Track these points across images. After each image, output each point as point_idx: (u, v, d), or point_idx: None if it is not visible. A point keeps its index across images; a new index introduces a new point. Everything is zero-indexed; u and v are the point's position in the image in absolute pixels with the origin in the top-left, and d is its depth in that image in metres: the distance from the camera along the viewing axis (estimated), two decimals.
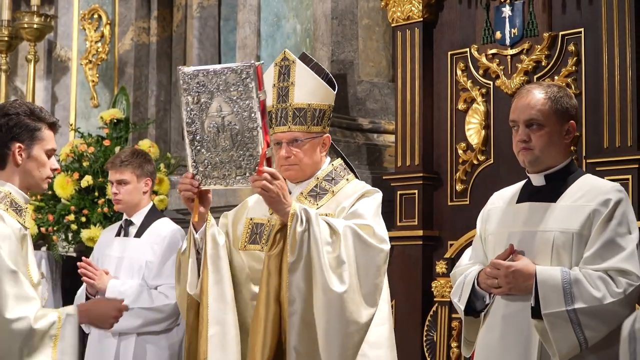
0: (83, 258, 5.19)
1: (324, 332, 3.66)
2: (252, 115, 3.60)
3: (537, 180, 3.63)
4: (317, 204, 3.91)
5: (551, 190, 3.58)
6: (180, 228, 5.41)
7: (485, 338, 3.64)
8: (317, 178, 3.99)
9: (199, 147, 3.71)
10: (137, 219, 5.33)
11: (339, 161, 4.06)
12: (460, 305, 3.68)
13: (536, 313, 3.42)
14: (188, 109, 3.71)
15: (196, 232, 3.85)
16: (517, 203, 3.67)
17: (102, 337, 5.16)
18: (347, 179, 4.02)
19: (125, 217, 5.41)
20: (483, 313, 3.65)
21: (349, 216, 3.83)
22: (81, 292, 5.27)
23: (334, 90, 4.03)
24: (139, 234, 5.31)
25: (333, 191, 3.96)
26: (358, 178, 4.08)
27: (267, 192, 3.63)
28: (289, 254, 3.66)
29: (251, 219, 4.04)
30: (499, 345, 3.55)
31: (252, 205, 4.10)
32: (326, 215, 3.85)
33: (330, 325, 3.66)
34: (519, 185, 3.74)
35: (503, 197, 3.78)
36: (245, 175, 3.65)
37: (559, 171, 3.60)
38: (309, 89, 3.94)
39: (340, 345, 3.67)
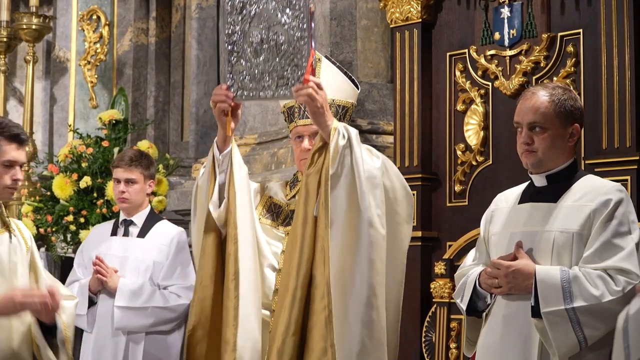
0: (97, 255, 5.21)
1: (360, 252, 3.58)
2: (301, 24, 3.51)
3: (539, 181, 3.63)
4: None
5: (552, 191, 3.59)
6: (183, 229, 5.44)
7: (486, 338, 3.65)
8: None
9: (237, 58, 3.61)
10: (139, 219, 5.36)
11: None
12: (463, 305, 3.69)
13: (536, 312, 3.42)
14: (230, 19, 3.61)
15: (219, 153, 3.78)
16: (519, 204, 3.68)
17: (110, 336, 5.17)
18: None
19: (123, 216, 5.42)
20: (485, 313, 3.66)
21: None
22: (85, 282, 5.27)
23: (358, 90, 4.04)
24: (142, 234, 5.34)
25: None
26: None
27: (312, 102, 3.53)
28: (330, 167, 3.55)
29: (270, 197, 4.00)
30: (499, 345, 3.55)
31: (273, 188, 4.05)
32: None
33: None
34: (522, 186, 3.76)
35: (506, 199, 3.79)
36: (288, 86, 3.55)
37: (561, 172, 3.60)
38: (334, 86, 3.92)
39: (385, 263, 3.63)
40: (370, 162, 3.66)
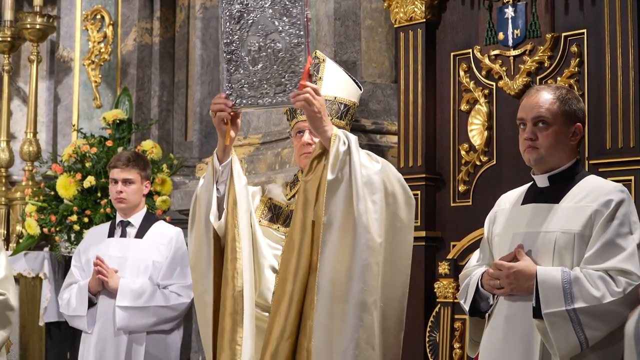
0: (98, 255, 5.22)
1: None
2: (298, 31, 3.55)
3: (541, 181, 3.64)
4: None
5: (555, 192, 3.60)
6: (181, 229, 5.45)
7: (489, 338, 3.65)
8: None
9: (235, 67, 3.65)
10: (136, 220, 5.38)
11: None
12: (466, 306, 3.70)
13: (537, 313, 3.43)
14: (228, 28, 3.65)
15: (219, 164, 3.79)
16: (522, 205, 3.68)
17: (112, 336, 5.19)
18: None
19: (120, 218, 5.43)
20: (487, 314, 3.67)
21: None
22: (84, 283, 5.28)
23: (360, 91, 4.05)
24: (140, 235, 5.35)
25: None
26: None
27: (309, 106, 3.56)
28: (330, 172, 3.57)
29: (270, 199, 4.02)
30: (501, 346, 3.56)
31: (272, 190, 4.07)
32: None
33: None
34: (525, 187, 3.77)
35: (509, 199, 3.80)
36: (285, 92, 3.58)
37: (563, 172, 3.61)
38: (337, 84, 3.95)
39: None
40: (370, 166, 3.66)
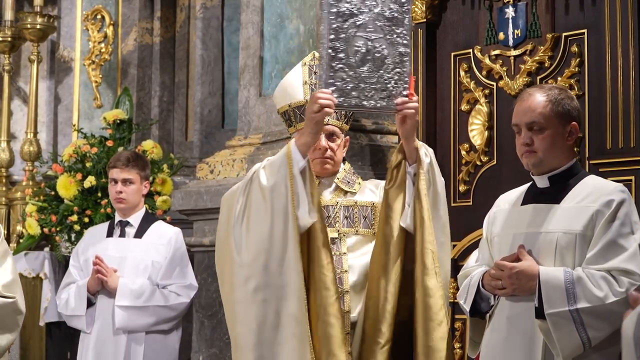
0: (97, 255, 5.22)
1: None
2: (405, 41, 3.66)
3: (541, 182, 3.64)
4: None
5: (555, 192, 3.60)
6: (179, 229, 5.46)
7: (490, 339, 3.65)
8: (338, 179, 4.02)
9: (339, 64, 3.65)
10: (135, 220, 5.38)
11: (348, 165, 4.09)
12: (466, 306, 3.71)
13: (539, 313, 3.42)
14: (335, 24, 3.65)
15: (303, 158, 3.75)
16: (522, 205, 3.68)
17: (111, 336, 5.19)
18: (359, 183, 4.08)
19: (119, 218, 5.43)
20: (488, 314, 3.67)
21: None
22: (83, 283, 5.28)
23: None
24: (139, 235, 5.35)
25: (354, 191, 4.00)
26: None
27: (414, 116, 3.72)
28: (423, 182, 3.77)
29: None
30: (503, 346, 3.56)
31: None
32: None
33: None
34: (525, 187, 3.77)
35: (509, 200, 3.80)
36: (390, 98, 3.67)
37: (563, 172, 3.61)
38: None
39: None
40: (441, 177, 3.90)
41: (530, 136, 3.58)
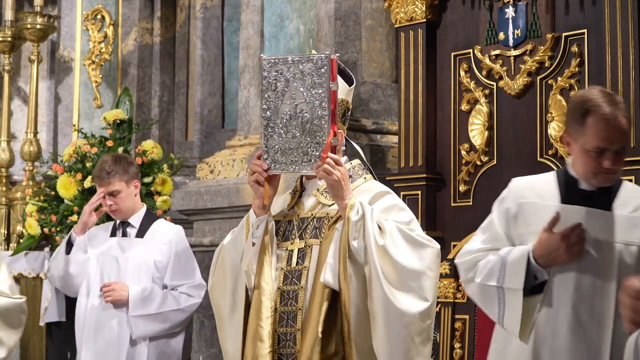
0: (102, 286, 5.18)
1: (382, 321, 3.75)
2: (322, 104, 3.75)
3: (586, 183, 3.49)
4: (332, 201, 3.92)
5: (603, 196, 3.46)
6: (181, 227, 5.44)
7: (546, 320, 3.44)
8: (317, 190, 3.99)
9: (271, 133, 3.85)
10: (136, 220, 5.34)
11: (357, 161, 4.06)
12: (514, 284, 3.41)
13: None
14: (266, 95, 3.85)
15: (255, 217, 3.92)
16: (564, 204, 3.48)
17: (114, 342, 5.16)
18: (365, 178, 4.02)
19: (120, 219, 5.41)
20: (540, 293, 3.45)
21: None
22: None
23: (350, 86, 4.03)
24: (140, 235, 5.33)
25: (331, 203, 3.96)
26: (375, 179, 4.08)
27: (329, 176, 3.74)
28: (350, 238, 3.74)
29: (269, 220, 4.00)
30: (568, 323, 3.38)
31: (273, 206, 4.08)
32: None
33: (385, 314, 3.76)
34: (547, 179, 3.60)
35: (536, 192, 3.56)
36: (310, 162, 3.80)
37: None
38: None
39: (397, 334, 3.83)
40: (380, 239, 3.75)
41: (616, 160, 3.41)
